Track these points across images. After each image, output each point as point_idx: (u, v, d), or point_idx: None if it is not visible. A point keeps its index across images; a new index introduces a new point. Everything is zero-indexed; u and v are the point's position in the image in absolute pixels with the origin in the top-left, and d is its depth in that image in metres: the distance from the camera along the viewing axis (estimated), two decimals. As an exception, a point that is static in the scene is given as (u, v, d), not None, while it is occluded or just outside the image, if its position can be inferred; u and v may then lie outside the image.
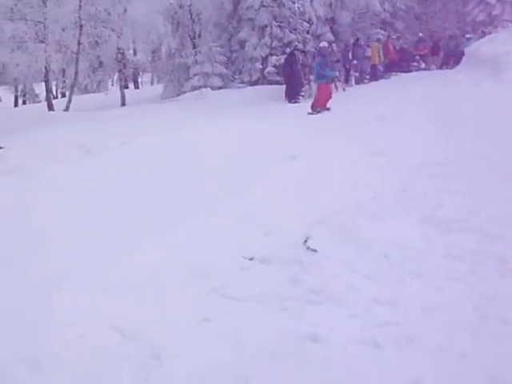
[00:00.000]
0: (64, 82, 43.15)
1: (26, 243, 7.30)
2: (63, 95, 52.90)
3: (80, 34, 27.29)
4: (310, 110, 19.87)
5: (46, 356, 4.44)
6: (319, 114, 19.04)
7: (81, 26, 27.09)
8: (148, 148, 12.96)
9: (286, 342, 4.59)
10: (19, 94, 56.49)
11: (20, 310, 5.24)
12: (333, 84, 21.81)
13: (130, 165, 11.42)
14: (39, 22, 26.65)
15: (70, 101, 28.63)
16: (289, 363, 4.32)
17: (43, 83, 32.49)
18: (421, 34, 31.54)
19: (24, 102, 56.63)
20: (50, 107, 28.97)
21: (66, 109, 27.79)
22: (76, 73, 28.77)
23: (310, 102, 20.45)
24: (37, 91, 54.15)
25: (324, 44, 22.25)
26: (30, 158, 14.09)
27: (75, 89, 31.51)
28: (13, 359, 4.38)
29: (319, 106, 20.04)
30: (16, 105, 53.93)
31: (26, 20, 26.74)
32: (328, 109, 19.89)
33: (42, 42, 26.90)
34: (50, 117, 24.19)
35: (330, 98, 20.44)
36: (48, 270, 6.30)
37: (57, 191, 9.90)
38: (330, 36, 30.38)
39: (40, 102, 49.44)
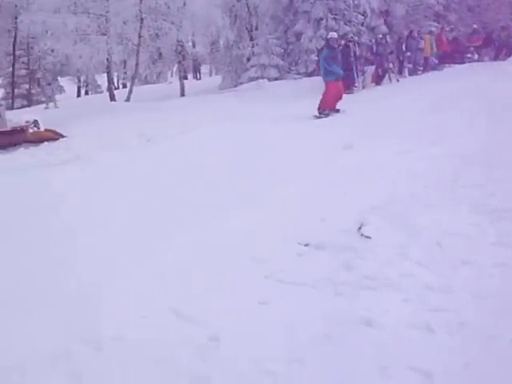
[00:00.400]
0: (125, 73, 43.56)
1: (84, 228, 7.43)
2: (124, 86, 53.47)
3: (141, 26, 27.58)
4: (316, 113, 17.44)
5: (108, 337, 4.52)
6: (362, 106, 17.62)
7: (141, 19, 27.38)
8: (205, 138, 13.03)
9: (340, 325, 4.61)
10: (82, 84, 57.20)
11: (79, 294, 5.33)
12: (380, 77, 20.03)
13: (188, 154, 11.50)
14: (101, 15, 27.03)
15: (130, 91, 28.97)
16: (343, 346, 4.34)
17: (105, 74, 33.02)
18: (475, 26, 31.02)
19: (86, 93, 57.34)
20: (112, 97, 29.37)
21: (127, 99, 28.13)
22: (137, 64, 29.07)
23: (363, 93, 20.23)
24: (99, 82, 54.82)
25: (333, 35, 19.05)
26: (92, 146, 14.32)
27: (136, 80, 31.84)
28: (77, 340, 4.47)
29: (327, 107, 17.55)
30: (79, 95, 54.66)
31: (89, 13, 27.16)
32: (337, 110, 17.58)
33: (104, 34, 27.27)
34: (112, 107, 24.46)
35: (340, 98, 17.89)
36: (100, 255, 6.41)
37: (116, 178, 10.03)
38: (384, 28, 30.27)
39: (102, 92, 50.09)
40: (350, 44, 24.51)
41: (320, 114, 17.41)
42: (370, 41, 27.85)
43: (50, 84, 38.82)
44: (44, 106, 36.55)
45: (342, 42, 25.16)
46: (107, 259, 6.22)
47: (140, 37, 27.85)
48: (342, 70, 18.53)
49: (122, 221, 7.65)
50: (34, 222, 7.74)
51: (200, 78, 56.64)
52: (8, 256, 6.53)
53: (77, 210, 8.30)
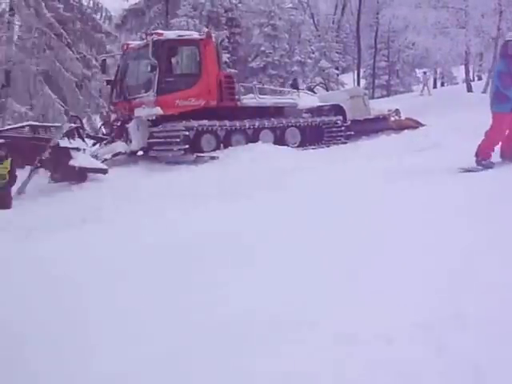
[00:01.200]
0: (480, 65, 42.80)
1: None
2: (479, 78, 52.51)
3: (499, 19, 26.86)
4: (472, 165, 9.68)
5: (471, 315, 4.33)
6: None
7: (500, 12, 26.64)
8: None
9: None
10: (438, 76, 57.27)
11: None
12: None
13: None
14: (460, 9, 27.00)
15: (487, 83, 28.47)
16: None
17: (459, 66, 32.72)
18: None
19: (442, 84, 57.29)
20: (469, 89, 29.14)
21: (484, 91, 27.68)
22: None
23: None
24: (454, 74, 54.37)
25: None
26: (448, 135, 14.26)
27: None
28: (444, 316, 4.33)
29: (490, 154, 9.79)
30: (435, 86, 54.72)
31: (448, 7, 27.28)
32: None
33: (463, 27, 27.11)
34: (468, 98, 24.19)
35: None
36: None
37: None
38: None
39: (457, 84, 49.61)
40: None
41: (478, 163, 9.76)
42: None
43: (425, 73, 39.47)
44: (419, 93, 37.15)
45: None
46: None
47: (498, 29, 27.15)
48: None
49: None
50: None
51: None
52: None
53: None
